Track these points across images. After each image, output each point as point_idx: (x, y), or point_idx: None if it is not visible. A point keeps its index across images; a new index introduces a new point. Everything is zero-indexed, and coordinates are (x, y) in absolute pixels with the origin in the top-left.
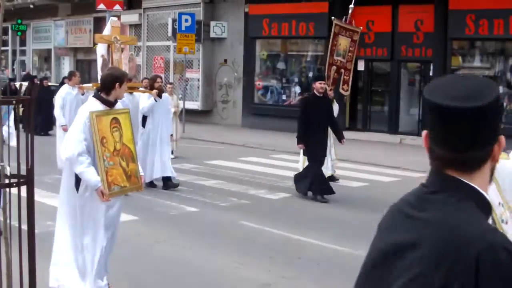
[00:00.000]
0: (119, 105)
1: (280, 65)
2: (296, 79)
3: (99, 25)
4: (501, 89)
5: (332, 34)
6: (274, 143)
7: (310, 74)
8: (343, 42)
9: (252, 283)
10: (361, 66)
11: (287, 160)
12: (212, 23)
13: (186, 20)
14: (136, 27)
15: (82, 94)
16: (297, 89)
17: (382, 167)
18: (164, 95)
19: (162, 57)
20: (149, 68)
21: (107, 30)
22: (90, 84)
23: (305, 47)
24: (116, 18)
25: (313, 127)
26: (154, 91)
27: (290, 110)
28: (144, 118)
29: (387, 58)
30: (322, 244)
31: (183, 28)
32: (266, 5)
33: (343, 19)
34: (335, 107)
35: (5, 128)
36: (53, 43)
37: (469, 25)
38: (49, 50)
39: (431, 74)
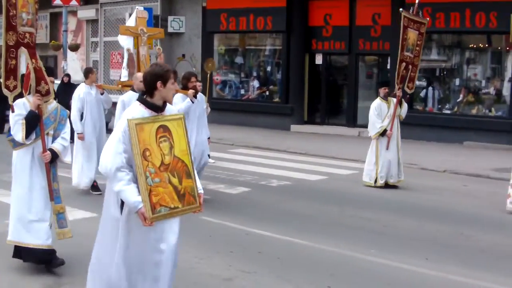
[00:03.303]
0: (171, 109)
1: (238, 60)
2: (254, 73)
3: (55, 20)
4: (457, 81)
5: (401, 28)
6: (233, 137)
7: (269, 68)
8: (412, 36)
9: (213, 279)
10: (319, 59)
11: (246, 155)
12: (170, 18)
13: None
14: (93, 22)
15: (102, 94)
16: (256, 83)
17: (341, 160)
18: (200, 95)
19: (120, 53)
20: (106, 64)
21: (131, 21)
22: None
23: (263, 41)
24: (142, 8)
25: None
26: (190, 91)
27: (249, 104)
28: None
29: (345, 52)
30: (282, 238)
31: None
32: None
33: (410, 10)
34: (404, 108)
35: (60, 141)
36: None
37: (426, 18)
38: None
39: (388, 67)
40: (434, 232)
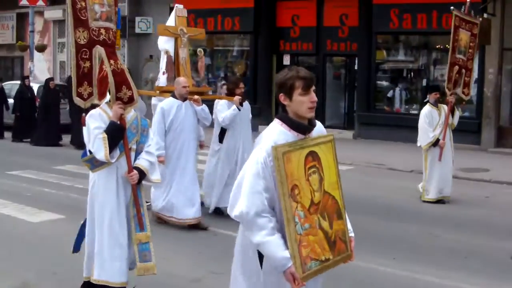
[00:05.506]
0: (319, 128)
1: (206, 60)
2: (222, 74)
3: (22, 21)
4: (424, 82)
5: (452, 28)
6: None
7: (236, 69)
8: (464, 37)
9: (181, 279)
10: (286, 60)
11: None
12: (137, 19)
13: None
14: (60, 23)
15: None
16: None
17: None
18: (246, 103)
19: None
20: None
21: (171, 20)
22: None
23: (231, 42)
24: (182, 6)
25: None
26: (237, 97)
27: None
28: (222, 131)
29: (313, 52)
30: None
31: None
32: (191, 0)
33: (462, 9)
34: (456, 115)
35: (145, 157)
36: None
37: (393, 19)
38: None
39: (356, 68)
40: (402, 231)
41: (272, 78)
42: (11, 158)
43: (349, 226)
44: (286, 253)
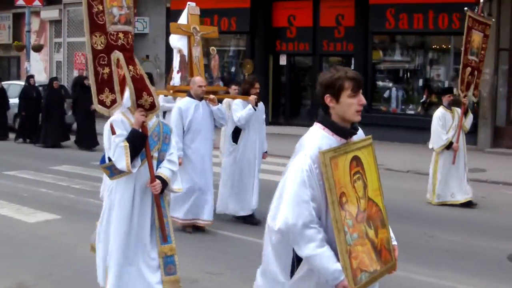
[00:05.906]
0: (359, 133)
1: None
2: (219, 75)
3: (18, 21)
4: (420, 82)
5: (465, 28)
6: None
7: (233, 69)
8: (476, 38)
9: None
10: (283, 61)
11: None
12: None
13: None
14: (56, 23)
15: None
16: (220, 84)
17: None
18: (260, 104)
19: (84, 53)
20: (70, 65)
21: (183, 18)
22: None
23: (227, 42)
24: (194, 4)
25: None
26: (252, 96)
27: None
28: (237, 131)
29: (309, 53)
30: (248, 239)
31: None
32: (188, 0)
33: (475, 10)
34: (469, 118)
35: (167, 165)
36: None
37: (389, 19)
38: None
39: (352, 68)
40: (398, 232)
41: (269, 79)
42: (9, 158)
43: (392, 234)
44: (338, 266)
